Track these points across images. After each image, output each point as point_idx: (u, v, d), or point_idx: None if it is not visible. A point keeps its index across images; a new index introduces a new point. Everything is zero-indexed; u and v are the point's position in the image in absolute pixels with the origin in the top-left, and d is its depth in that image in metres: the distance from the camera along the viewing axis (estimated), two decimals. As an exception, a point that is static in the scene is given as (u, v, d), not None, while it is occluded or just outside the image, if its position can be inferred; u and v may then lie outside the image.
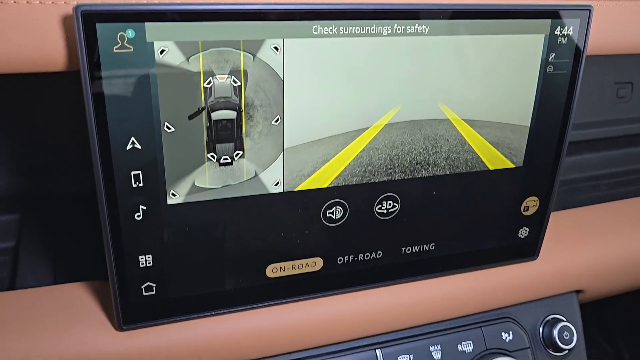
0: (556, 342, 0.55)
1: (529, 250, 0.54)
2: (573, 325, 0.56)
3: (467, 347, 0.53)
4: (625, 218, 0.62)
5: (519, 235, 0.53)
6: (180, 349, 0.45)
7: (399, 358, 0.51)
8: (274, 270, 0.46)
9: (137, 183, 0.39)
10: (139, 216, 0.40)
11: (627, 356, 0.92)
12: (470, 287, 0.53)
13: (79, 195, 0.53)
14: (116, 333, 0.44)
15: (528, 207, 0.52)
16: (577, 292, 0.59)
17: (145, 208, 0.40)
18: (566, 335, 0.56)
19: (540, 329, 0.57)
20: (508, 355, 0.53)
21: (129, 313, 0.43)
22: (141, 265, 0.42)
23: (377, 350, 0.51)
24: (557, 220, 0.60)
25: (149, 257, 0.41)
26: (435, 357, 0.52)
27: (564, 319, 0.57)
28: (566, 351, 0.56)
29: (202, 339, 0.45)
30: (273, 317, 0.47)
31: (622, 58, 0.73)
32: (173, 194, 0.40)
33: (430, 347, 0.52)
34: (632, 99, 0.78)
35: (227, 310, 0.46)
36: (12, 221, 0.53)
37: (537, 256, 0.55)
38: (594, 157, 0.78)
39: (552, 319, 0.57)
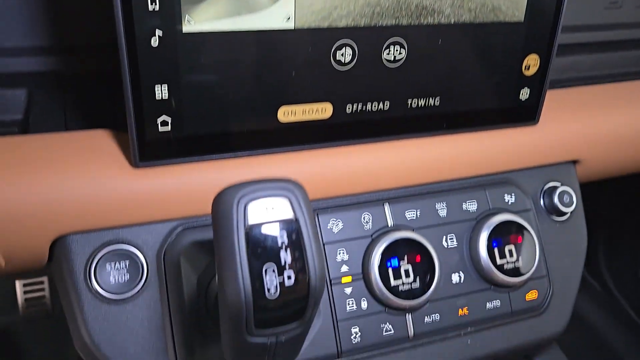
0: (557, 206, 0.57)
1: (529, 113, 0.56)
2: (572, 191, 0.58)
3: (471, 206, 0.54)
4: (624, 95, 0.64)
5: (520, 97, 0.54)
6: (193, 189, 0.46)
7: (405, 212, 0.52)
8: (285, 114, 0.47)
9: (154, 5, 0.40)
10: (155, 42, 0.41)
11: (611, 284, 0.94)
12: (474, 148, 0.54)
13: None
14: (133, 170, 0.44)
15: (529, 65, 0.53)
16: (574, 163, 0.61)
17: (161, 34, 0.41)
18: (566, 199, 0.57)
19: (542, 197, 0.58)
20: (512, 213, 0.54)
21: (145, 149, 0.44)
22: (157, 98, 0.42)
23: (385, 205, 0.52)
24: (556, 95, 0.61)
25: (164, 88, 0.42)
26: (440, 214, 0.53)
27: (563, 185, 0.58)
28: (567, 214, 0.58)
29: (214, 182, 0.46)
30: (283, 165, 0.48)
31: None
32: (188, 21, 0.41)
33: (436, 204, 0.53)
34: (623, 5, 0.80)
35: (240, 153, 0.47)
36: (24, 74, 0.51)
37: (537, 121, 0.56)
38: (587, 58, 0.79)
39: (552, 186, 0.58)
